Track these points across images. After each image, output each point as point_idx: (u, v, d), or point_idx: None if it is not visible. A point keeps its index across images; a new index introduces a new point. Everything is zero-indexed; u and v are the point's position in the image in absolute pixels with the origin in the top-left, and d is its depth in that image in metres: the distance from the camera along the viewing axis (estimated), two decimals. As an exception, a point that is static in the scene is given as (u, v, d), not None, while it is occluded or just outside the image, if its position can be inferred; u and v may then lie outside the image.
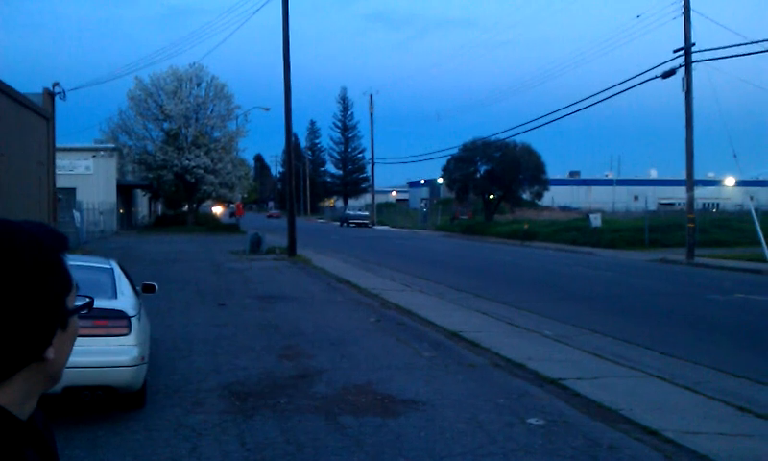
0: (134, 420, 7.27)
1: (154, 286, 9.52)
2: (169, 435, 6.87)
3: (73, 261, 8.43)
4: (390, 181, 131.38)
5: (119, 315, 7.06)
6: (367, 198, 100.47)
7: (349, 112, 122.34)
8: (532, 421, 7.56)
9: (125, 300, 7.53)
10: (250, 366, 9.84)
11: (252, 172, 73.82)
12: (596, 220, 41.73)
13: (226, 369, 9.66)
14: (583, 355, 11.16)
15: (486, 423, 7.48)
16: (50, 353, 1.21)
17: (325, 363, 10.10)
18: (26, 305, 1.15)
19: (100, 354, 6.80)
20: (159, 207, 76.41)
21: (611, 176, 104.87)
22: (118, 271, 8.36)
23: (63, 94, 29.62)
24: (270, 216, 61.48)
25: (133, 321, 7.13)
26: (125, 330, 7.00)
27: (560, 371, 9.83)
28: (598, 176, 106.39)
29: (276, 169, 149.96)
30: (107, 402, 7.30)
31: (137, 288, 9.03)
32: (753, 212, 30.42)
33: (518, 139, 60.12)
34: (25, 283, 1.15)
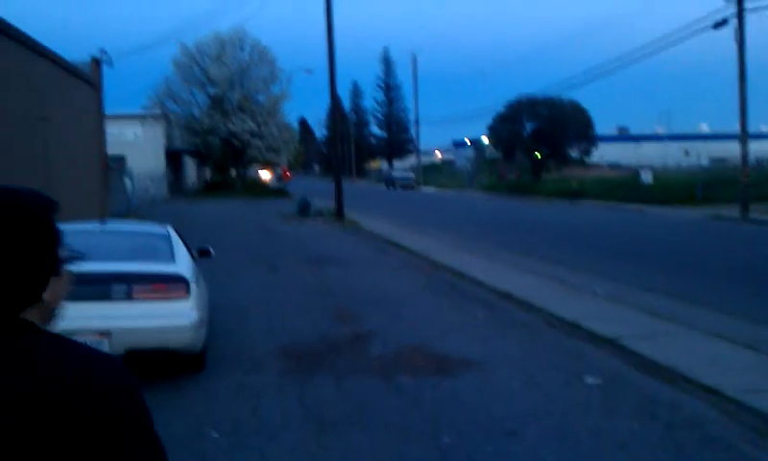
0: (195, 382, 7.41)
1: (209, 251, 9.64)
2: (230, 396, 7.00)
3: (130, 227, 8.60)
4: (435, 142, 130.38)
5: (177, 279, 7.18)
6: (412, 159, 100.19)
7: (392, 73, 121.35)
8: (589, 380, 7.52)
9: (182, 264, 7.64)
10: (305, 328, 9.95)
11: (296, 135, 73.86)
12: (646, 176, 41.05)
13: (281, 331, 9.78)
14: (637, 314, 11.03)
15: (542, 382, 7.47)
16: (47, 296, 1.48)
17: (379, 324, 10.16)
18: (24, 257, 1.42)
19: (160, 318, 6.93)
20: (207, 173, 77.19)
21: (660, 131, 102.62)
22: (174, 236, 8.49)
23: (110, 61, 29.96)
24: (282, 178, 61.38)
25: (191, 285, 7.24)
26: (183, 294, 7.12)
27: (614, 329, 9.73)
28: (648, 131, 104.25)
29: (320, 132, 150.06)
30: (168, 365, 7.46)
31: (193, 253, 9.15)
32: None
33: (565, 95, 59.24)
34: (23, 240, 1.42)
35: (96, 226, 8.59)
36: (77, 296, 6.85)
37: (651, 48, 32.95)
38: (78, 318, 6.67)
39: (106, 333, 6.70)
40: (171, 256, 7.76)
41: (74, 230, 8.61)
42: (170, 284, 7.12)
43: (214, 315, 10.46)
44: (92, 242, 8.05)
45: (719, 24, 29.35)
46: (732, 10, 29.26)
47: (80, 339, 5.93)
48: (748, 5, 29.07)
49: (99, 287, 6.86)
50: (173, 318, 7.00)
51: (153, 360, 7.17)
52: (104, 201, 28.60)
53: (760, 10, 28.78)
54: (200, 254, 9.46)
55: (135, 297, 6.95)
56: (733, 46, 29.84)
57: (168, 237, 8.35)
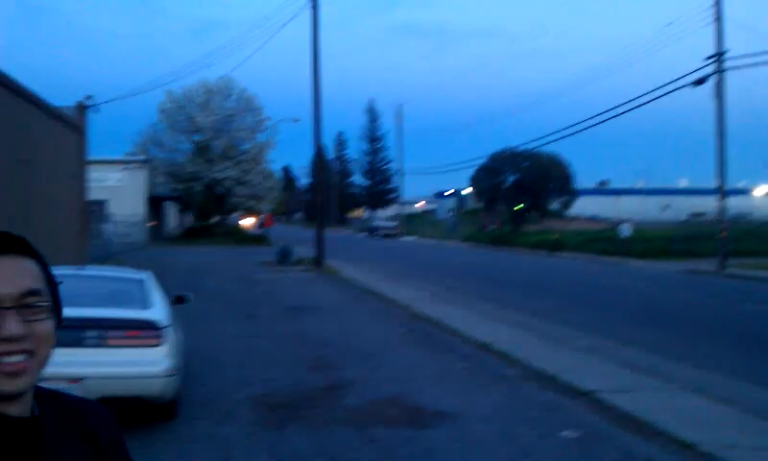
0: (167, 431, 7.29)
1: (186, 297, 9.56)
2: (201, 447, 6.89)
3: (107, 272, 8.51)
4: (417, 192, 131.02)
5: (151, 326, 7.10)
6: (394, 208, 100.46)
7: (377, 123, 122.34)
8: (565, 433, 7.47)
9: (157, 310, 7.57)
10: (279, 377, 9.85)
11: (279, 183, 74.11)
12: (626, 230, 41.36)
13: (256, 380, 9.67)
14: (615, 367, 11.01)
15: (518, 435, 7.41)
16: None
17: (355, 374, 10.07)
18: None
19: (132, 365, 6.84)
20: (189, 219, 76.96)
21: (640, 185, 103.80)
22: (150, 282, 8.42)
23: (96, 107, 30.00)
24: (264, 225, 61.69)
25: (165, 332, 7.16)
26: (157, 341, 7.03)
27: (592, 383, 9.70)
28: (628, 185, 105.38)
29: (303, 180, 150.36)
30: (139, 414, 7.33)
31: (170, 299, 9.07)
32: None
33: (547, 149, 59.89)
34: None
35: (72, 270, 8.50)
36: (47, 342, 6.78)
37: (632, 105, 33.24)
38: (50, 364, 6.57)
39: (77, 380, 6.59)
40: (146, 303, 7.68)
41: (48, 275, 8.54)
42: (144, 331, 7.04)
43: (189, 363, 10.35)
44: (67, 286, 7.95)
45: (699, 81, 29.85)
46: (712, 68, 29.83)
47: (50, 385, 5.82)
48: (727, 64, 29.65)
49: (71, 332, 6.76)
50: (146, 365, 6.91)
51: (125, 408, 7.06)
52: (84, 245, 28.39)
53: (740, 68, 29.35)
54: (176, 301, 9.38)
55: (108, 343, 6.86)
56: (712, 103, 30.37)
57: (144, 283, 8.28)
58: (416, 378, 9.93)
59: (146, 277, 8.58)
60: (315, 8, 30.55)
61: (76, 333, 6.77)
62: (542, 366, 10.82)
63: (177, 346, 7.65)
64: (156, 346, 7.02)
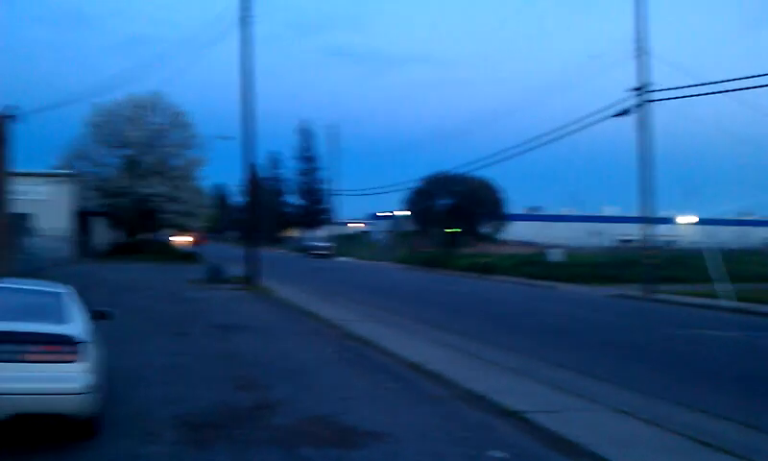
0: (87, 450, 7.00)
1: (107, 313, 9.23)
2: (121, 467, 6.62)
3: (25, 285, 8.13)
4: (352, 213, 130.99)
5: (69, 341, 6.79)
6: (328, 229, 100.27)
7: (311, 144, 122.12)
8: (494, 454, 7.45)
9: (76, 325, 7.27)
10: (206, 396, 9.59)
11: (212, 201, 73.27)
12: (554, 255, 42.15)
13: (181, 399, 9.39)
14: (544, 388, 11.10)
15: (447, 455, 7.36)
16: None
17: (284, 394, 9.89)
18: None
19: (49, 381, 6.52)
20: (118, 235, 75.25)
21: (570, 211, 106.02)
22: (70, 296, 8.10)
23: (19, 116, 29.05)
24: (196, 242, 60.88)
25: (84, 347, 6.87)
26: (74, 357, 6.73)
27: (521, 403, 9.73)
28: (558, 211, 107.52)
29: (237, 199, 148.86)
30: (57, 431, 7.02)
31: (91, 315, 8.75)
32: (707, 250, 30.89)
33: (479, 174, 60.75)
34: None
35: (-13, 283, 8.13)
36: (-40, 354, 6.43)
37: (559, 133, 34.00)
38: None
39: (-10, 396, 6.27)
40: (64, 317, 7.37)
41: (-38, 288, 8.14)
42: (62, 346, 6.73)
43: (113, 381, 10.00)
44: (-20, 299, 7.61)
45: (621, 113, 30.68)
46: (634, 100, 30.71)
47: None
48: (648, 96, 30.55)
49: None
50: (63, 381, 6.61)
51: (41, 425, 6.75)
52: (6, 259, 27.39)
53: (663, 100, 30.25)
54: (98, 316, 9.04)
55: (24, 358, 6.53)
56: (636, 134, 31.28)
57: (63, 297, 7.95)
58: (346, 398, 9.80)
59: (65, 291, 8.25)
60: (245, 25, 30.38)
61: (-10, 347, 6.45)
62: (472, 386, 10.82)
63: (96, 362, 7.36)
64: (74, 361, 6.72)
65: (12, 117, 28.78)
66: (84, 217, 60.38)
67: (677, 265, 39.93)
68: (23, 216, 44.22)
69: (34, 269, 34.97)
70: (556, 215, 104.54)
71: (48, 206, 52.28)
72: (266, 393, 9.96)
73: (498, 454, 7.42)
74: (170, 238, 75.58)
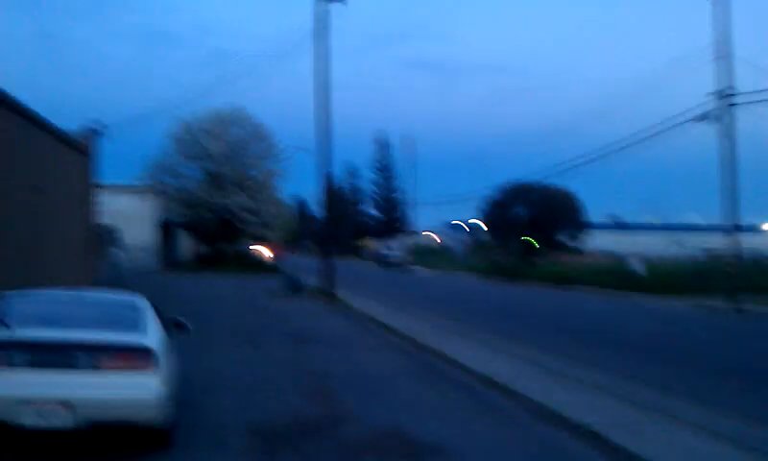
0: (159, 458, 7.20)
1: (185, 324, 9.48)
2: (192, 475, 6.79)
3: (102, 296, 8.44)
4: (428, 223, 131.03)
5: (145, 351, 7.02)
6: (405, 239, 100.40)
7: (388, 155, 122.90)
8: (563, 470, 7.33)
9: (152, 335, 7.50)
10: (279, 407, 9.75)
11: (291, 212, 74.44)
12: (636, 264, 41.13)
13: (255, 409, 9.57)
14: (619, 403, 10.84)
15: (515, 470, 7.28)
16: None
17: (354, 405, 9.97)
18: None
19: (123, 390, 6.74)
20: (201, 246, 77.13)
21: (653, 220, 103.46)
22: (147, 307, 8.35)
23: (106, 132, 30.23)
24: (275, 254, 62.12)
25: (159, 357, 7.08)
26: (150, 366, 6.95)
27: (594, 419, 9.53)
28: (640, 220, 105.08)
29: (316, 210, 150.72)
30: (131, 439, 7.25)
31: (168, 325, 9.01)
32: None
33: (557, 182, 59.84)
34: None
35: (68, 293, 8.47)
36: (39, 363, 6.74)
37: (639, 138, 33.22)
38: (39, 385, 6.52)
39: (67, 404, 6.53)
40: (141, 327, 7.61)
41: (46, 296, 8.52)
42: (137, 356, 6.96)
43: (188, 390, 10.28)
44: (62, 309, 7.93)
45: (702, 117, 29.79)
46: (716, 104, 29.80)
47: (40, 409, 5.78)
48: (731, 100, 29.57)
49: (63, 355, 6.71)
50: (138, 390, 6.83)
51: (116, 433, 6.98)
52: (93, 270, 28.45)
53: (747, 104, 29.26)
54: (175, 327, 9.31)
55: (101, 367, 6.77)
56: (719, 139, 30.30)
57: (140, 308, 8.21)
58: (415, 410, 9.81)
59: (141, 301, 8.52)
60: (321, 37, 30.78)
61: (69, 356, 6.72)
62: (544, 400, 10.67)
63: (170, 371, 7.58)
64: (150, 371, 6.93)
65: (98, 132, 29.94)
66: (167, 229, 62.17)
67: (763, 275, 38.45)
68: (109, 228, 45.88)
69: (118, 279, 36.18)
70: (636, 224, 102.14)
71: (133, 218, 54.05)
72: (335, 404, 10.06)
73: (567, 471, 7.31)
74: (250, 249, 77.09)
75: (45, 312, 7.80)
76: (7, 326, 7.08)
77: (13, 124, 18.49)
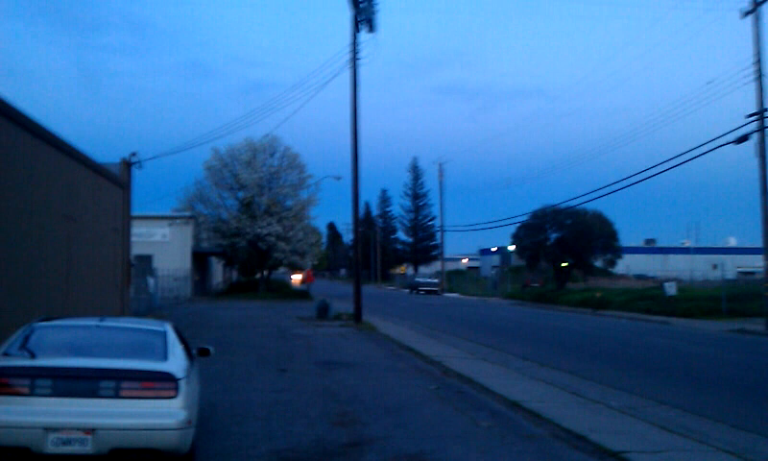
0: (182, 484, 7.23)
1: (208, 349, 9.58)
2: (213, 501, 6.81)
3: (127, 324, 8.54)
4: (460, 249, 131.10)
5: (167, 377, 7.08)
6: (437, 265, 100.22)
7: (420, 181, 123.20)
8: (588, 496, 7.23)
9: (174, 362, 7.56)
10: (303, 433, 9.75)
11: (323, 240, 74.78)
12: (671, 288, 40.55)
13: (279, 435, 9.59)
14: (649, 428, 10.69)
15: (539, 496, 7.19)
16: None
17: (379, 431, 9.93)
18: None
19: (147, 416, 6.80)
20: (233, 274, 77.70)
21: (688, 244, 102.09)
22: (171, 334, 8.44)
23: (140, 164, 30.70)
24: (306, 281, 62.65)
25: (181, 383, 7.14)
26: (172, 393, 7.01)
27: (623, 443, 9.43)
28: (675, 244, 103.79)
29: (347, 236, 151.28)
30: (155, 466, 7.29)
31: (193, 351, 9.10)
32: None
33: (590, 207, 59.47)
34: None
35: (94, 321, 8.59)
36: (63, 391, 6.83)
37: (674, 162, 32.80)
38: (62, 413, 6.61)
39: (90, 431, 6.61)
40: (163, 354, 7.69)
41: (72, 325, 8.65)
42: (159, 383, 7.02)
43: (214, 416, 10.36)
44: (87, 338, 8.05)
45: (741, 139, 29.41)
46: (753, 125, 29.42)
47: (63, 436, 5.88)
48: (768, 121, 29.20)
49: (86, 383, 6.80)
50: (160, 417, 6.88)
51: (138, 459, 7.02)
52: (125, 299, 28.80)
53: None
54: (199, 354, 9.41)
55: (123, 394, 6.85)
56: (755, 161, 29.86)
57: (164, 334, 8.30)
58: (440, 436, 9.75)
59: (166, 328, 8.61)
60: (354, 68, 31.01)
61: (91, 384, 6.80)
62: (573, 426, 10.56)
63: (193, 397, 7.63)
64: (172, 397, 6.99)
65: (133, 163, 30.42)
66: (201, 257, 62.81)
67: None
68: (144, 257, 46.45)
69: (152, 309, 36.60)
70: (672, 248, 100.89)
71: (168, 248, 54.78)
72: (362, 430, 10.03)
73: (592, 496, 7.20)
74: (286, 277, 77.45)
75: (70, 341, 7.92)
76: (33, 354, 7.20)
77: (46, 153, 18.87)
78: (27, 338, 7.71)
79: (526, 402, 12.41)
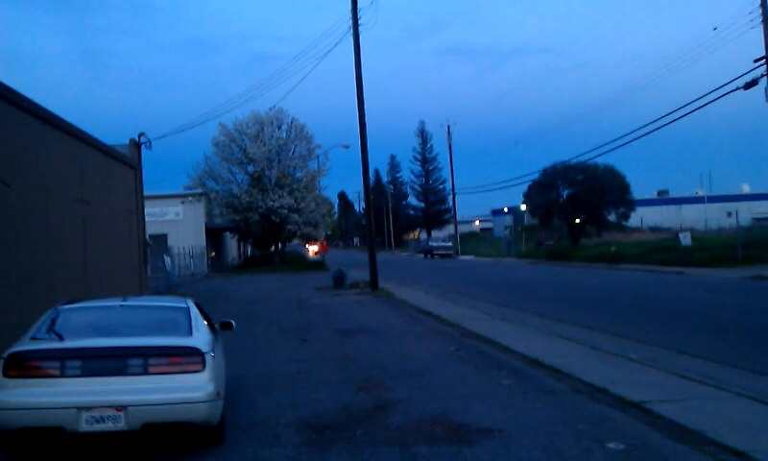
0: (213, 455, 7.41)
1: (231, 323, 9.76)
2: (245, 469, 6.98)
3: (150, 302, 8.72)
4: (472, 211, 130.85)
5: (193, 352, 7.24)
6: (450, 229, 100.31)
7: (428, 145, 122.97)
8: (612, 445, 7.35)
9: (199, 337, 7.71)
10: (327, 399, 9.92)
11: (335, 209, 74.98)
12: (686, 238, 40.49)
13: (304, 403, 9.76)
14: (668, 377, 10.79)
15: (563, 449, 7.32)
16: None
17: (402, 394, 10.08)
18: None
19: (176, 391, 6.96)
20: (248, 248, 78.11)
21: (701, 193, 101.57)
22: (194, 309, 8.59)
23: (149, 143, 30.83)
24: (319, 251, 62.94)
25: (207, 357, 7.29)
26: (199, 367, 7.16)
27: (643, 394, 9.53)
28: (688, 194, 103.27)
29: (359, 205, 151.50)
30: (185, 439, 7.48)
31: (215, 326, 9.26)
32: None
33: (600, 161, 59.24)
34: None
35: (118, 301, 8.75)
36: (93, 371, 7.00)
37: (683, 111, 32.61)
38: (93, 393, 6.78)
39: (121, 408, 6.78)
40: (188, 330, 7.84)
41: (96, 306, 8.81)
42: (186, 357, 7.18)
43: (240, 387, 10.54)
44: (111, 317, 8.21)
45: (749, 84, 29.19)
46: (762, 70, 29.17)
47: (96, 414, 6.08)
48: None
49: (115, 361, 6.97)
50: (189, 391, 7.04)
51: (170, 433, 7.19)
52: (143, 278, 29.08)
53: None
54: (222, 327, 9.58)
55: (151, 370, 7.01)
56: (766, 106, 29.64)
57: (187, 310, 8.45)
58: (463, 396, 9.89)
59: (189, 304, 8.76)
60: (356, 34, 30.85)
61: (119, 362, 6.96)
62: (593, 379, 10.67)
63: (219, 370, 7.79)
64: (199, 371, 7.15)
65: (142, 144, 30.54)
66: (215, 233, 63.11)
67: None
68: (158, 237, 46.74)
69: (170, 286, 36.92)
70: (685, 198, 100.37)
71: (181, 226, 55.09)
72: (384, 394, 10.19)
73: (615, 445, 7.33)
74: (300, 248, 77.68)
75: (96, 321, 8.08)
76: (60, 337, 7.36)
77: (58, 139, 19.00)
78: (53, 321, 7.86)
79: (546, 359, 12.53)
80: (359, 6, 31.09)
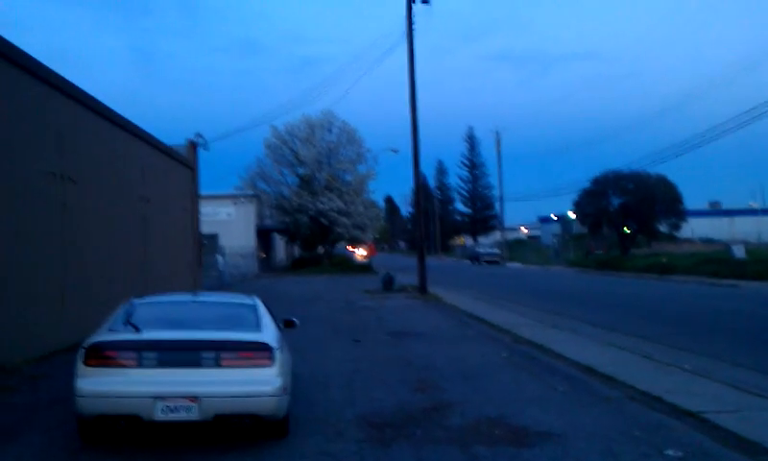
0: (279, 448, 7.69)
1: (294, 322, 10.07)
2: (311, 461, 7.25)
3: (220, 298, 9.08)
4: (520, 218, 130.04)
5: (263, 347, 7.54)
6: (495, 235, 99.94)
7: (476, 150, 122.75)
8: (670, 452, 7.45)
9: (268, 333, 8.02)
10: (384, 398, 10.15)
11: (382, 213, 75.27)
12: (739, 251, 39.89)
13: (362, 401, 10.00)
14: (723, 388, 10.79)
15: (621, 454, 7.43)
16: None
17: (458, 396, 10.27)
18: None
19: (246, 384, 7.27)
20: (296, 250, 78.94)
21: (755, 205, 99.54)
22: (261, 307, 8.91)
23: (206, 144, 31.47)
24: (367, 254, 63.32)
25: (276, 352, 7.58)
26: (268, 362, 7.46)
27: (698, 403, 9.57)
28: (741, 206, 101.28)
29: (405, 209, 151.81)
30: (253, 431, 7.78)
31: (279, 323, 9.57)
32: None
33: (652, 170, 58.56)
34: None
35: (189, 296, 9.10)
36: (168, 362, 7.35)
37: (738, 121, 32.19)
38: (168, 383, 7.11)
39: (195, 398, 7.10)
40: (257, 326, 8.15)
41: (169, 301, 9.18)
42: (256, 352, 7.48)
43: (298, 385, 10.82)
44: (184, 312, 8.57)
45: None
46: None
47: (171, 404, 6.49)
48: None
49: (189, 354, 7.29)
50: (258, 384, 7.33)
51: (239, 425, 7.49)
52: (197, 276, 29.71)
53: None
54: (285, 325, 9.89)
55: (223, 364, 7.32)
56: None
57: (255, 307, 8.78)
58: (518, 400, 10.04)
59: (256, 302, 9.08)
60: (411, 40, 31.10)
61: (193, 354, 7.29)
62: (648, 388, 10.72)
63: (286, 366, 8.08)
64: (269, 366, 7.44)
65: (198, 144, 31.20)
66: (265, 234, 63.95)
67: None
68: (211, 236, 47.57)
69: (222, 285, 37.59)
70: (738, 210, 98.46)
71: (232, 226, 55.98)
72: (440, 395, 10.39)
73: (673, 453, 7.42)
74: (348, 250, 78.22)
75: (169, 315, 8.44)
76: (137, 329, 7.72)
77: (126, 142, 19.61)
78: (129, 314, 8.23)
79: (600, 367, 12.59)
80: (414, 11, 31.33)
